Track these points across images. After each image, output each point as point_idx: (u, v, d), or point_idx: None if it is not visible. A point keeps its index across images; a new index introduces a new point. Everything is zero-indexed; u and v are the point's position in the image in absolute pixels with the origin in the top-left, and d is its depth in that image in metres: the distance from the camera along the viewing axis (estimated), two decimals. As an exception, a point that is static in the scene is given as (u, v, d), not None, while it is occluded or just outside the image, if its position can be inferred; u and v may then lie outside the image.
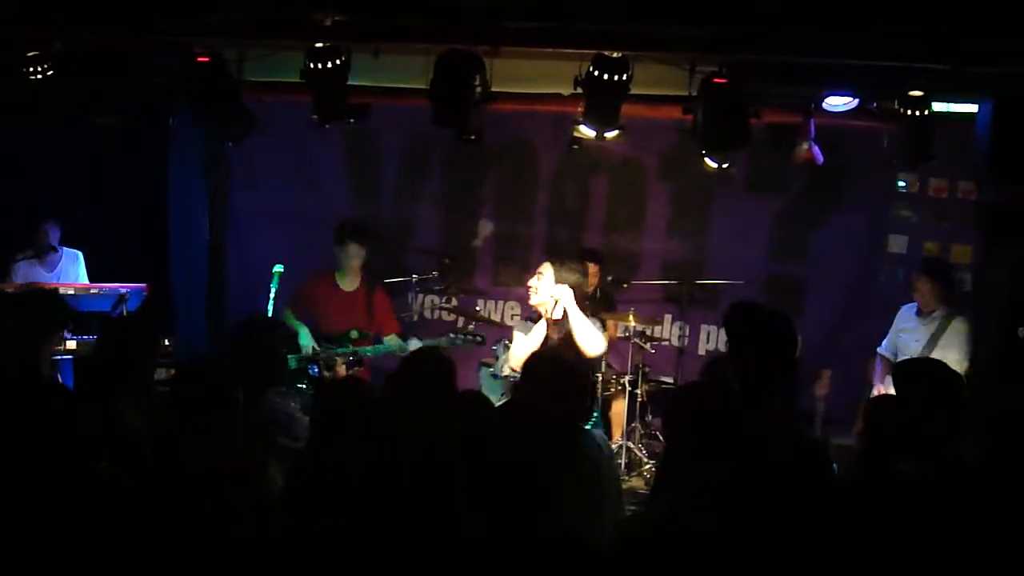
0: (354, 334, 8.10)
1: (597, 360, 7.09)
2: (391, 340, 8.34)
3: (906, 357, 7.54)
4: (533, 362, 5.15)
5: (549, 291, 6.77)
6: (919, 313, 7.70)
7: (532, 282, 6.86)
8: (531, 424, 4.14)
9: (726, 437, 3.93)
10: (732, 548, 3.37)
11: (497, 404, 5.08)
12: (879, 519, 3.87)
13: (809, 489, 3.73)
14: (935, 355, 7.38)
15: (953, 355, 7.31)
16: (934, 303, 7.64)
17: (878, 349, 8.03)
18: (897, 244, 9.96)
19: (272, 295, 7.66)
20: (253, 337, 5.39)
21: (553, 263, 6.88)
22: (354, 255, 8.37)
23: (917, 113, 7.37)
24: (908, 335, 7.73)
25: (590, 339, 6.63)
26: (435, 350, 6.21)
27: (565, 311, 6.74)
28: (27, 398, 4.09)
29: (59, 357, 7.74)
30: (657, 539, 3.30)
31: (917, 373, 4.85)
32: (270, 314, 7.56)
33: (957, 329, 7.50)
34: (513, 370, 7.32)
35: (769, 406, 4.35)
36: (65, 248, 9.17)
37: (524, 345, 6.87)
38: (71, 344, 8.15)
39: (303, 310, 8.31)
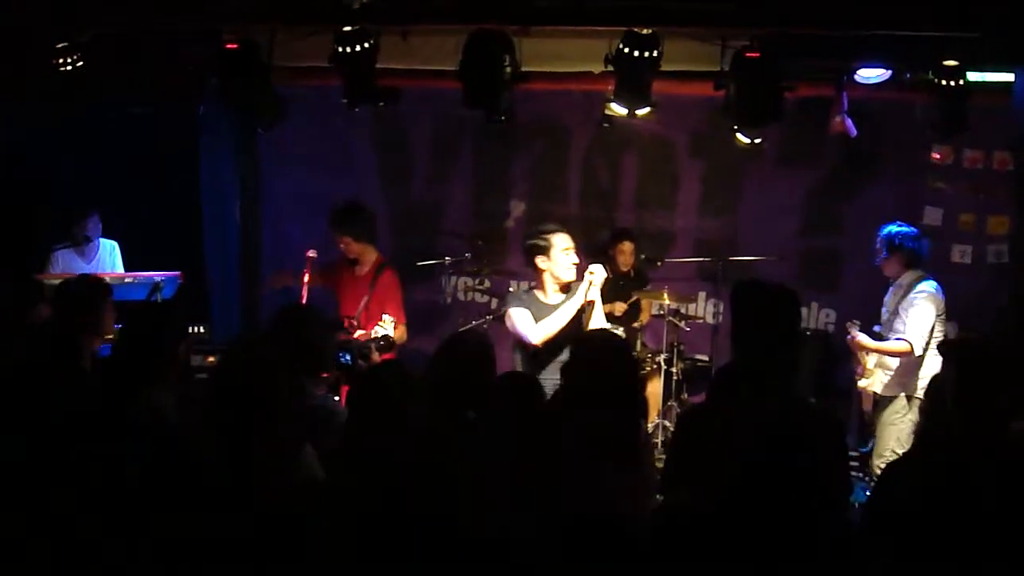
0: (347, 323, 7.76)
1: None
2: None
3: (879, 327, 7.52)
4: (587, 347, 5.09)
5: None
6: (892, 284, 7.60)
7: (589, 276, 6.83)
8: (583, 414, 4.11)
9: (727, 416, 3.92)
10: (747, 531, 3.35)
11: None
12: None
13: (819, 459, 3.69)
14: (897, 322, 7.25)
15: (908, 319, 7.19)
16: (897, 272, 7.52)
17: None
18: (932, 216, 9.88)
19: (306, 281, 7.63)
20: (290, 326, 5.36)
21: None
22: (338, 242, 7.90)
23: (951, 83, 7.29)
24: (884, 307, 7.64)
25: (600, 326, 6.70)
26: (471, 336, 6.12)
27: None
28: (63, 391, 4.10)
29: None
30: (682, 528, 3.30)
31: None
32: (304, 301, 7.52)
33: (919, 291, 7.37)
34: (535, 346, 7.28)
35: (769, 381, 4.31)
36: (102, 238, 9.21)
37: (553, 323, 6.84)
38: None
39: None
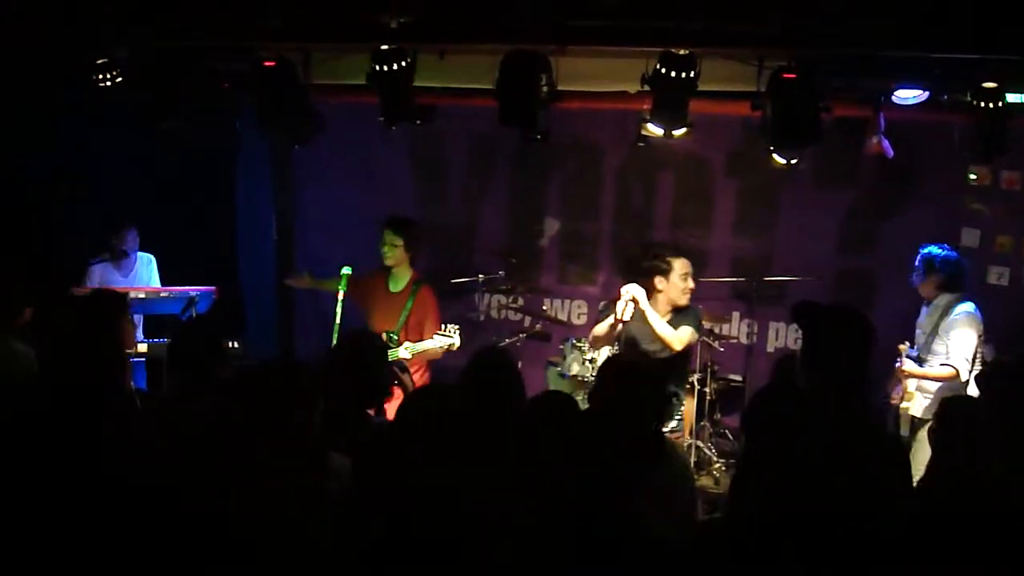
0: (384, 337, 7.67)
1: (681, 357, 7.36)
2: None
3: (915, 350, 7.52)
4: (605, 367, 5.18)
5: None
6: (927, 304, 7.59)
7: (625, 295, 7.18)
8: (614, 430, 4.12)
9: (803, 441, 3.89)
10: (809, 553, 3.33)
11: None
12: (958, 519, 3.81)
13: (890, 489, 3.67)
14: (937, 344, 7.35)
15: (951, 343, 7.27)
16: (932, 293, 7.52)
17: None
18: (969, 238, 9.79)
19: (340, 298, 7.66)
20: (352, 352, 5.32)
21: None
22: (387, 243, 7.95)
23: (990, 105, 7.24)
24: (919, 328, 7.63)
25: (669, 335, 6.89)
26: (495, 353, 6.19)
27: (635, 313, 6.99)
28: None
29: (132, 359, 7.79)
30: (735, 545, 3.28)
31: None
32: (338, 318, 7.57)
33: (958, 313, 7.35)
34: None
35: (845, 405, 4.29)
36: (139, 252, 9.27)
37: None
38: (142, 347, 8.24)
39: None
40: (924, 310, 7.65)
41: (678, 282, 7.20)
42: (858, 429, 4.01)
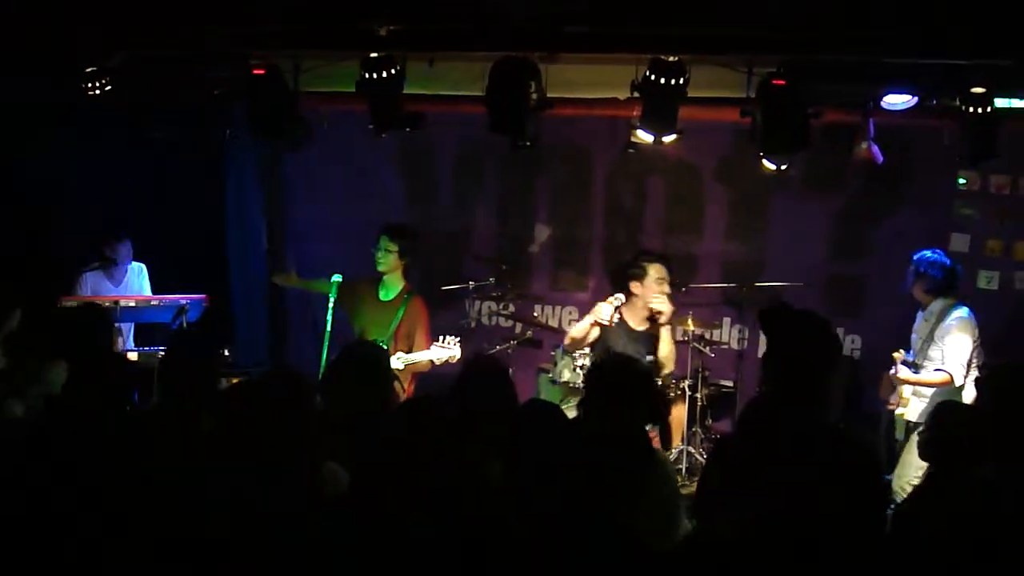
0: None
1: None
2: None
3: (912, 355, 7.53)
4: (595, 371, 5.18)
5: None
6: (923, 310, 7.61)
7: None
8: (603, 437, 4.13)
9: (764, 444, 3.92)
10: (781, 560, 3.34)
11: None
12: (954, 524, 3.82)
13: (856, 495, 3.67)
14: (932, 350, 7.37)
15: (946, 349, 7.28)
16: (924, 298, 7.54)
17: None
18: (959, 243, 9.80)
19: (331, 306, 7.65)
20: (359, 365, 5.25)
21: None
22: (382, 248, 7.94)
23: (979, 110, 7.25)
24: (915, 333, 7.64)
25: (670, 355, 7.03)
26: (488, 361, 6.20)
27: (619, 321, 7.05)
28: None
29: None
30: (717, 554, 3.29)
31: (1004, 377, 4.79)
32: (329, 326, 7.55)
33: (952, 318, 7.37)
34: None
35: (814, 411, 4.30)
36: (130, 261, 9.26)
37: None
38: (133, 356, 8.22)
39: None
40: (920, 316, 7.67)
41: (653, 286, 7.22)
42: (816, 432, 4.03)
